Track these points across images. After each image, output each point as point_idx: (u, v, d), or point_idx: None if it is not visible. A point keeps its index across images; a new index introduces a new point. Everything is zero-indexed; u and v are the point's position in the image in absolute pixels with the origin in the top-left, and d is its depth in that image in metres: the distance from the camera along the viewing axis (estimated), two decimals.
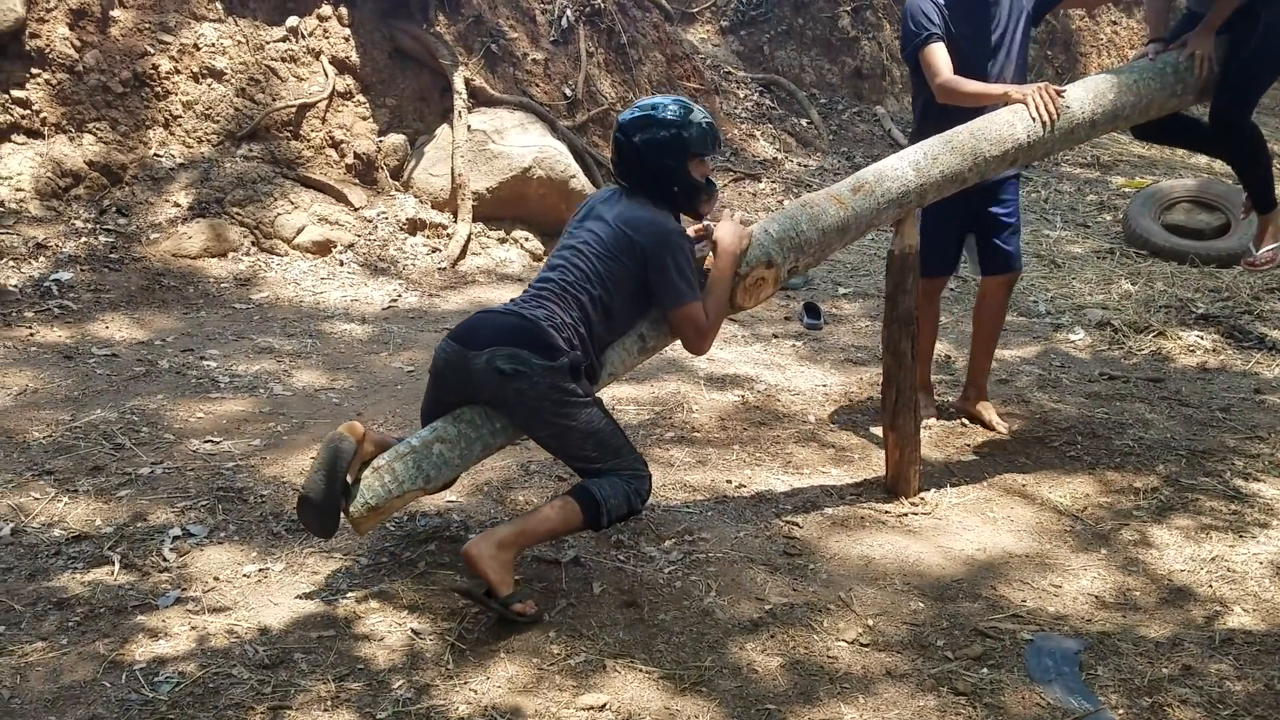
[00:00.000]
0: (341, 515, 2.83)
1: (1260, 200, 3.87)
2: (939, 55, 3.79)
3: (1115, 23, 11.98)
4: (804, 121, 9.37)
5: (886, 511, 3.56)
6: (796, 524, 3.44)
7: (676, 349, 5.03)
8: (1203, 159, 9.02)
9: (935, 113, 3.89)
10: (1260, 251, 3.91)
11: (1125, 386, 4.74)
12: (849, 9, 9.97)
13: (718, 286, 3.07)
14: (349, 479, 2.81)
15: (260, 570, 3.01)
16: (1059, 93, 3.56)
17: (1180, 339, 5.33)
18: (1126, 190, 8.62)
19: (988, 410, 4.30)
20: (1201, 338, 5.35)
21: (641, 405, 4.39)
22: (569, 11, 7.86)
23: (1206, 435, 4.20)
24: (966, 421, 4.30)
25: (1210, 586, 3.15)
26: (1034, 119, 3.51)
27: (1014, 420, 4.31)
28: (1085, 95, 3.60)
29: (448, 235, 6.48)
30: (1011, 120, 3.52)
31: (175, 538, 3.15)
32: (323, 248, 6.08)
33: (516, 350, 2.77)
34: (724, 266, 3.09)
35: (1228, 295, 5.99)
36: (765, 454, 4.00)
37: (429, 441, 2.88)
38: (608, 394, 4.35)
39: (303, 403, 4.25)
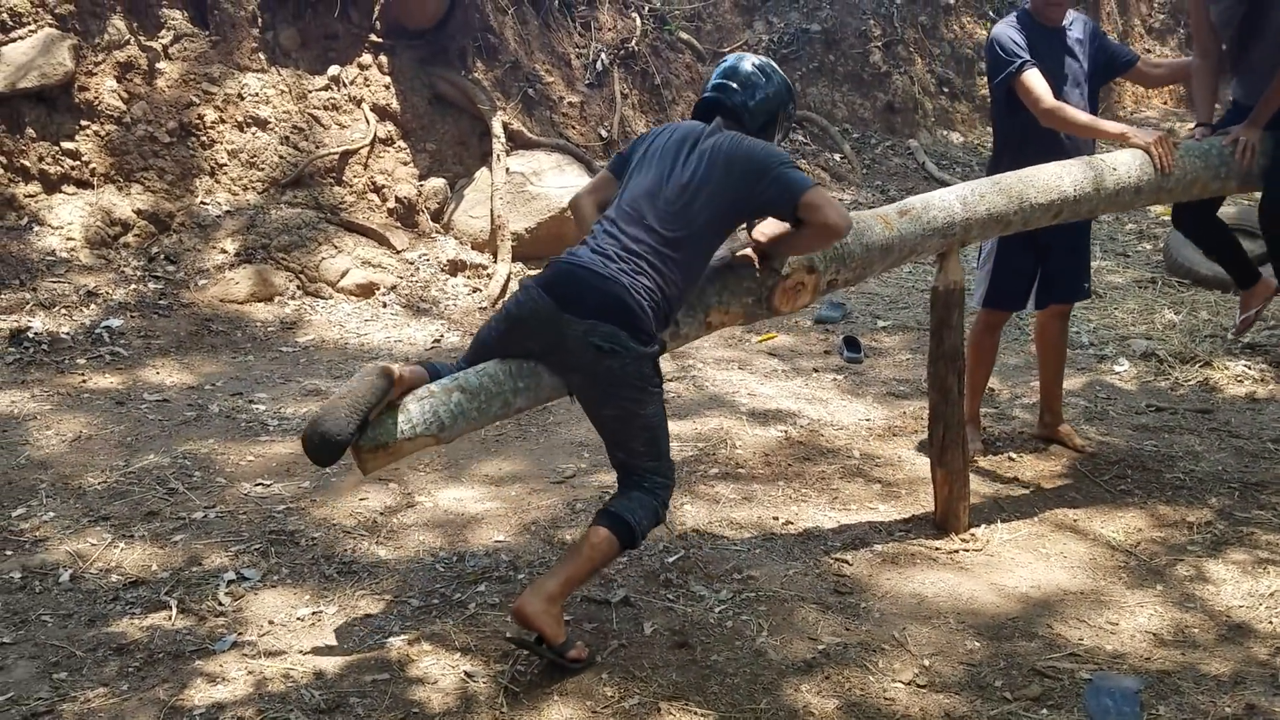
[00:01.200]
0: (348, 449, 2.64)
1: None
2: (1038, 81, 3.74)
3: (1149, 52, 11.94)
4: (837, 156, 9.40)
5: (937, 548, 3.53)
6: (846, 561, 3.43)
7: (717, 385, 5.08)
8: None
9: (1016, 144, 3.86)
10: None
11: (1173, 418, 4.68)
12: (880, 45, 10.02)
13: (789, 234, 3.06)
14: (370, 418, 2.66)
15: (314, 613, 3.03)
16: (1176, 144, 3.63)
17: (1227, 369, 5.26)
18: (1166, 218, 8.55)
19: (1067, 432, 4.33)
20: (1249, 367, 5.28)
21: (685, 441, 4.39)
22: (603, 55, 7.98)
23: (1258, 467, 4.14)
24: (1014, 456, 4.27)
25: (1270, 622, 3.09)
26: (1156, 167, 3.58)
27: (1062, 454, 4.27)
28: (1133, 161, 3.65)
29: (488, 275, 6.55)
30: (1060, 173, 3.56)
31: (230, 581, 3.18)
32: (366, 290, 6.16)
33: (617, 330, 2.74)
34: (779, 232, 3.10)
35: (1275, 323, 5.91)
36: (811, 490, 3.99)
37: (449, 389, 2.78)
38: None
39: None
